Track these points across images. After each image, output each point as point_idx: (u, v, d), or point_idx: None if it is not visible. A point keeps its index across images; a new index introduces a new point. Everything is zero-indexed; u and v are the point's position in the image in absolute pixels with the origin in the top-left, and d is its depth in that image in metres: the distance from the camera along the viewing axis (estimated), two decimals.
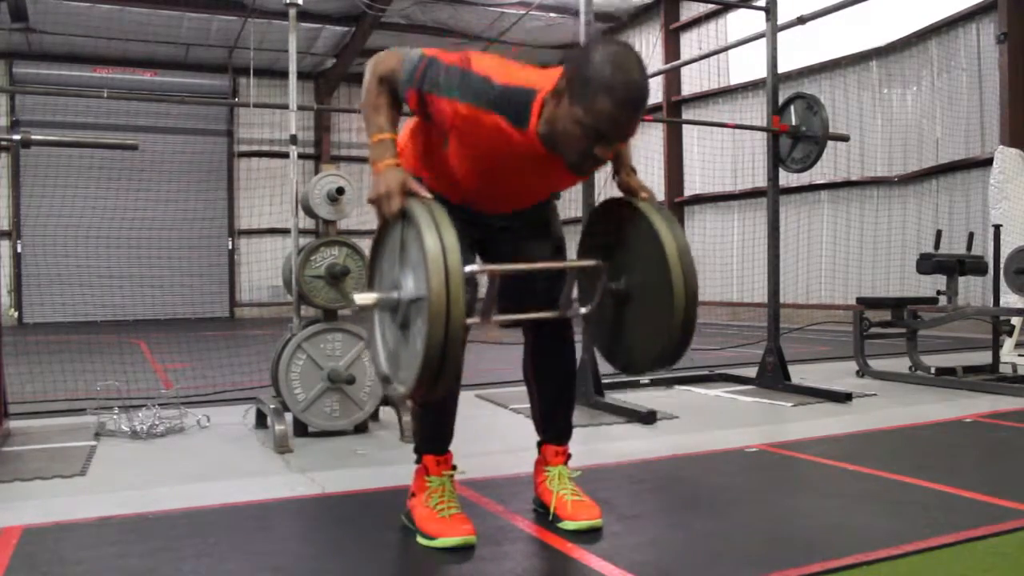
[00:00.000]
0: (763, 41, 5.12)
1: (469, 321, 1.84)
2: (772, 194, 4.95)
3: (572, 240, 2.32)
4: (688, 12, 13.39)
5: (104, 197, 12.38)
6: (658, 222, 2.05)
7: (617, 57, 1.83)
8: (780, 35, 5.07)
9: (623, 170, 2.27)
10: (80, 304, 12.54)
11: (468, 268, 1.90)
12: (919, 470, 2.83)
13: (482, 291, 2.29)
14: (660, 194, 13.83)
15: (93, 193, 12.24)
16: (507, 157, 2.01)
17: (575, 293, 2.28)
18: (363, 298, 2.00)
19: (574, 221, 5.13)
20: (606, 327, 2.25)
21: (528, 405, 2.45)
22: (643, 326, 2.13)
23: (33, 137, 3.24)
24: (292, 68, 3.76)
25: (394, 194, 1.91)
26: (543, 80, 1.98)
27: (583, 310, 2.24)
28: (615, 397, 4.22)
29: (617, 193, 2.27)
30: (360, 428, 3.57)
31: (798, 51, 10.08)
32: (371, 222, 2.05)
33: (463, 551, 2.04)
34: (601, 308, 2.20)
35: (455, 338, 1.76)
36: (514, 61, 2.07)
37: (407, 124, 2.26)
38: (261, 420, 3.72)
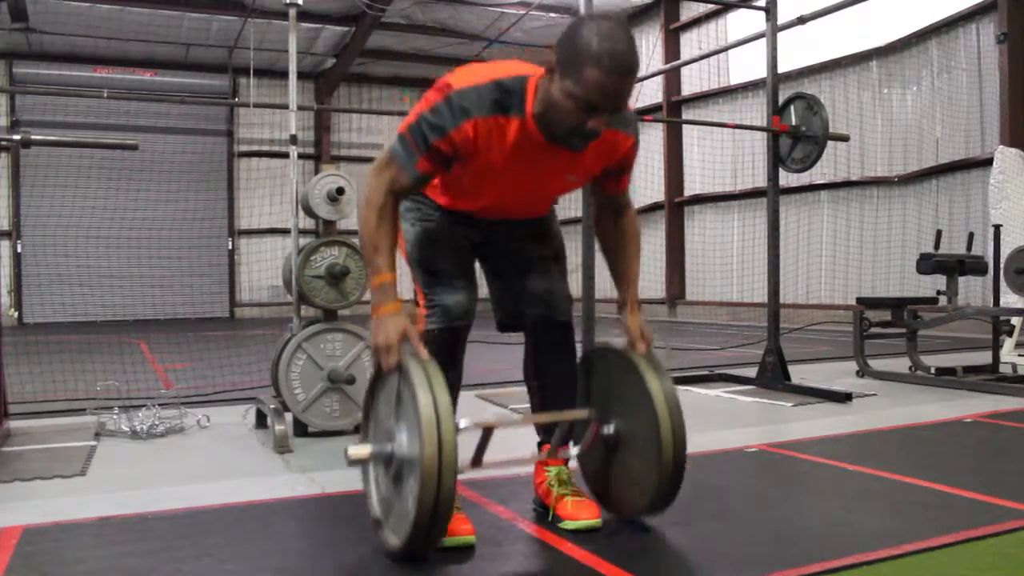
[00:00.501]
0: (763, 41, 5.12)
1: (459, 477, 1.88)
2: (772, 194, 4.95)
3: (571, 241, 2.32)
4: (688, 12, 13.39)
5: (104, 197, 12.38)
6: (649, 376, 2.11)
7: (604, 29, 1.84)
8: (780, 35, 5.07)
9: (629, 307, 2.27)
10: (80, 304, 12.54)
11: (462, 424, 1.98)
12: (919, 470, 2.83)
13: (483, 291, 2.30)
14: (660, 194, 13.85)
15: (93, 193, 12.24)
16: (514, 155, 2.01)
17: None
18: (357, 452, 2.04)
19: (574, 221, 5.13)
20: (598, 469, 2.33)
21: (528, 405, 2.45)
22: (633, 474, 2.19)
23: (33, 137, 3.24)
24: (292, 68, 3.76)
25: (392, 348, 1.95)
26: (532, 68, 1.99)
27: (574, 451, 2.31)
28: None
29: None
30: (360, 427, 3.57)
31: (798, 51, 10.09)
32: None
33: (463, 551, 2.04)
34: (593, 451, 2.28)
35: (446, 501, 1.83)
36: (497, 60, 2.09)
37: None
38: (261, 420, 3.72)
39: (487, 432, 2.11)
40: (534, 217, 2.34)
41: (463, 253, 2.27)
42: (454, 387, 2.27)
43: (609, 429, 2.22)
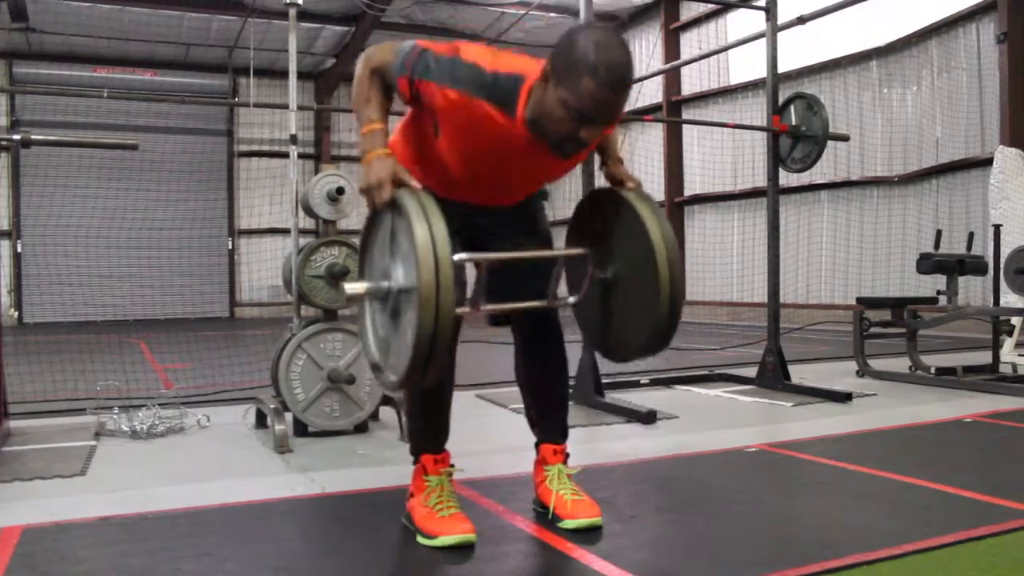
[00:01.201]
0: (763, 41, 5.11)
1: (459, 311, 1.85)
2: (772, 194, 4.95)
3: (563, 239, 2.31)
4: (688, 12, 13.39)
5: (104, 197, 12.39)
6: (643, 210, 2.07)
7: (601, 40, 1.84)
8: (780, 35, 5.07)
9: (610, 161, 2.29)
10: (80, 304, 12.54)
11: (457, 257, 1.92)
12: (919, 470, 2.83)
13: (470, 286, 2.29)
14: (660, 194, 13.84)
15: (93, 193, 12.24)
16: (496, 144, 2.01)
17: (563, 284, 2.29)
18: (353, 288, 2.01)
19: None
20: (594, 316, 2.26)
21: (522, 402, 2.45)
22: (630, 314, 2.14)
23: (33, 137, 3.24)
24: (292, 68, 3.76)
25: (384, 183, 1.93)
26: (533, 67, 1.99)
27: (571, 299, 2.26)
28: (615, 397, 4.22)
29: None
30: (360, 428, 3.57)
31: (798, 51, 10.08)
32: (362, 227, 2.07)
33: (463, 550, 2.04)
34: (589, 297, 2.22)
35: (445, 328, 1.78)
36: (506, 51, 2.08)
37: (399, 122, 2.27)
38: (261, 420, 3.72)
39: (482, 270, 2.06)
40: (521, 205, 2.33)
41: (453, 247, 2.25)
42: (449, 384, 2.26)
43: (606, 272, 2.17)
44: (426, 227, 1.79)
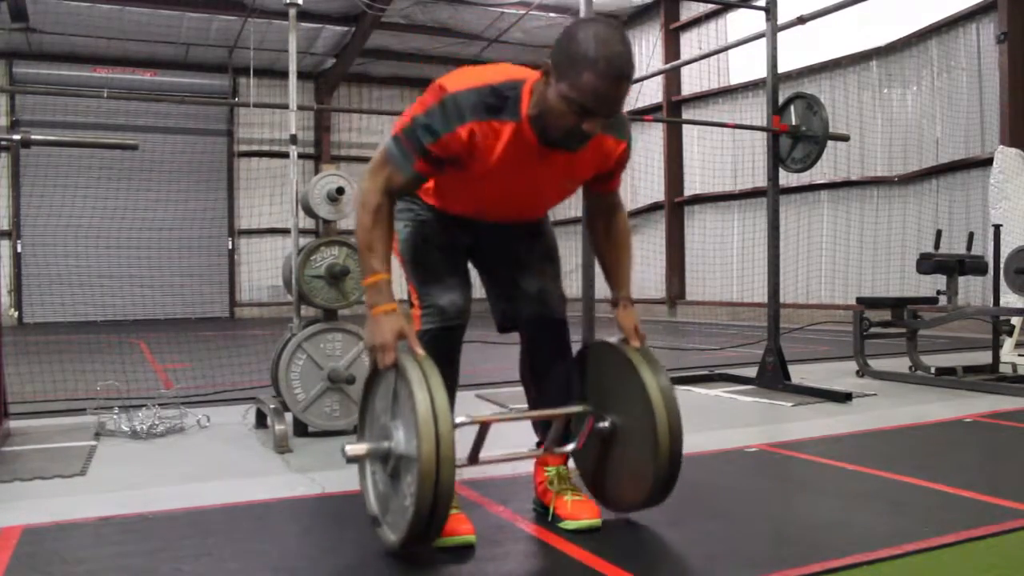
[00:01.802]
0: (763, 41, 5.11)
1: (458, 467, 1.88)
2: (772, 194, 4.95)
3: (567, 241, 2.32)
4: (688, 12, 13.39)
5: (104, 197, 12.39)
6: (644, 370, 2.11)
7: (600, 33, 1.84)
8: (780, 35, 5.07)
9: (621, 303, 2.28)
10: (80, 304, 12.55)
11: (459, 420, 1.97)
12: (919, 470, 2.83)
13: (477, 288, 2.30)
14: (660, 194, 13.85)
15: (93, 193, 12.24)
16: (509, 159, 2.01)
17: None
18: (354, 449, 2.04)
19: (573, 221, 5.12)
20: (593, 465, 2.33)
21: (527, 405, 2.45)
22: (629, 468, 2.19)
23: (33, 137, 3.24)
24: (292, 68, 3.76)
25: (388, 347, 1.95)
26: (528, 73, 2.00)
27: (570, 447, 2.31)
28: None
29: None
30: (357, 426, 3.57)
31: (798, 51, 10.08)
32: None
33: (463, 550, 2.04)
34: (588, 446, 2.28)
35: (444, 499, 1.83)
36: (490, 64, 2.09)
37: None
38: (261, 420, 3.72)
39: (483, 428, 2.11)
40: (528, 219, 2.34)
41: (456, 253, 2.27)
42: (451, 386, 2.26)
43: (605, 424, 2.22)
44: (428, 398, 1.83)
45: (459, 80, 1.97)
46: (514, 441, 2.50)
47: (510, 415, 2.27)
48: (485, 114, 1.94)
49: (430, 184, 2.17)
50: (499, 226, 2.29)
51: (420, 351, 1.96)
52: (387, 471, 2.00)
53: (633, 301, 2.31)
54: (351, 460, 2.04)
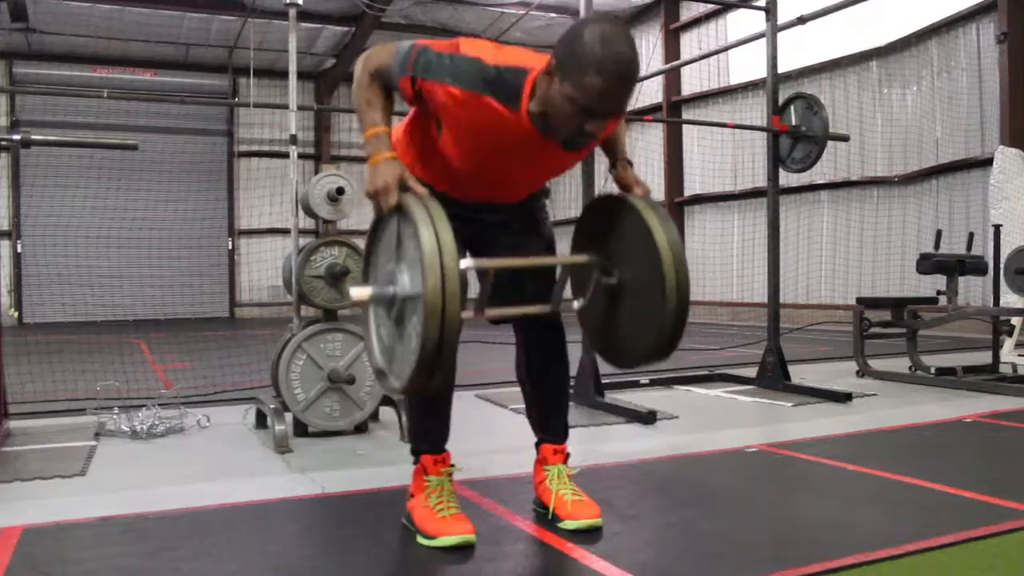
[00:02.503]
0: (763, 41, 5.12)
1: (463, 316, 1.84)
2: (772, 194, 4.95)
3: (567, 240, 2.31)
4: (688, 12, 13.39)
5: (104, 197, 12.37)
6: (650, 217, 2.06)
7: (606, 34, 1.82)
8: (780, 35, 5.07)
9: (619, 164, 2.28)
10: (80, 304, 12.53)
11: (463, 264, 1.90)
12: (919, 470, 2.83)
13: (473, 289, 2.29)
14: (660, 194, 13.84)
15: (93, 193, 12.23)
16: (500, 139, 2.01)
17: (568, 290, 2.29)
18: (358, 292, 2.00)
19: (573, 221, 5.13)
20: (599, 322, 2.25)
21: (525, 405, 2.45)
22: (636, 321, 2.13)
23: (33, 137, 3.24)
24: (292, 68, 3.76)
25: (391, 188, 1.92)
26: (536, 61, 1.98)
27: (576, 304, 2.25)
28: (615, 397, 4.22)
29: (613, 187, 2.28)
30: (360, 428, 3.57)
31: (798, 51, 10.08)
32: (370, 222, 2.05)
33: (463, 550, 2.04)
34: (594, 303, 2.21)
35: (451, 336, 1.77)
36: (508, 45, 2.08)
37: (402, 121, 2.26)
38: (261, 420, 3.72)
39: (487, 277, 2.06)
40: (524, 205, 2.32)
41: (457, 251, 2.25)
42: (448, 385, 2.26)
43: (611, 278, 2.15)
44: (433, 234, 1.79)
45: (473, 47, 1.97)
46: (514, 439, 2.50)
47: (516, 262, 2.19)
48: (479, 87, 1.93)
49: (416, 151, 2.16)
50: (498, 220, 2.28)
51: (422, 190, 1.93)
52: (392, 318, 1.95)
53: (631, 163, 2.28)
54: (355, 303, 2.01)
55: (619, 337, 2.20)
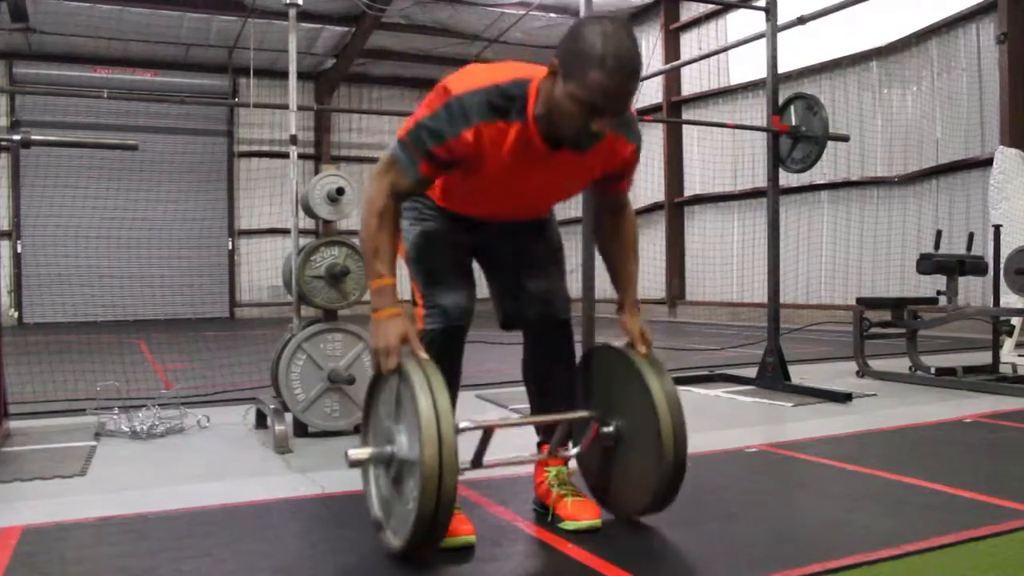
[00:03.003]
0: (763, 41, 5.12)
1: (461, 477, 1.88)
2: (772, 194, 4.95)
3: (566, 241, 2.31)
4: (688, 12, 13.39)
5: (104, 197, 12.36)
6: (649, 375, 2.11)
7: (607, 31, 1.82)
8: (780, 35, 5.07)
9: (627, 309, 2.26)
10: (80, 304, 12.53)
11: (462, 425, 1.97)
12: (919, 470, 2.83)
13: (483, 291, 2.30)
14: (660, 194, 13.85)
15: (93, 193, 12.22)
16: (519, 161, 1.99)
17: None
18: (356, 454, 2.04)
19: (574, 221, 5.12)
20: (597, 469, 2.33)
21: (528, 405, 2.45)
22: (633, 473, 2.19)
23: (33, 137, 3.24)
24: (292, 68, 3.76)
25: (392, 351, 1.95)
26: (533, 70, 1.98)
27: (574, 451, 2.31)
28: None
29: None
30: (360, 428, 3.56)
31: (798, 51, 10.08)
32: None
33: (463, 551, 2.04)
34: (592, 450, 2.28)
35: (447, 504, 1.83)
36: (499, 62, 2.08)
37: None
38: (261, 420, 3.72)
39: (487, 433, 2.11)
40: (534, 218, 2.34)
41: (461, 253, 2.26)
42: (453, 388, 2.26)
43: (609, 429, 2.21)
44: (431, 402, 1.83)
45: (464, 81, 1.95)
46: (516, 442, 2.51)
47: (514, 420, 2.26)
48: (491, 115, 1.93)
49: (437, 184, 2.15)
50: (505, 225, 2.28)
51: (423, 355, 1.96)
52: (390, 476, 2.00)
53: (639, 304, 2.29)
54: (353, 464, 2.04)
55: (616, 488, 2.27)
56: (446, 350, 2.16)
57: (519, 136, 1.96)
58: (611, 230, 2.30)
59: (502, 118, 1.94)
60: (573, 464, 2.39)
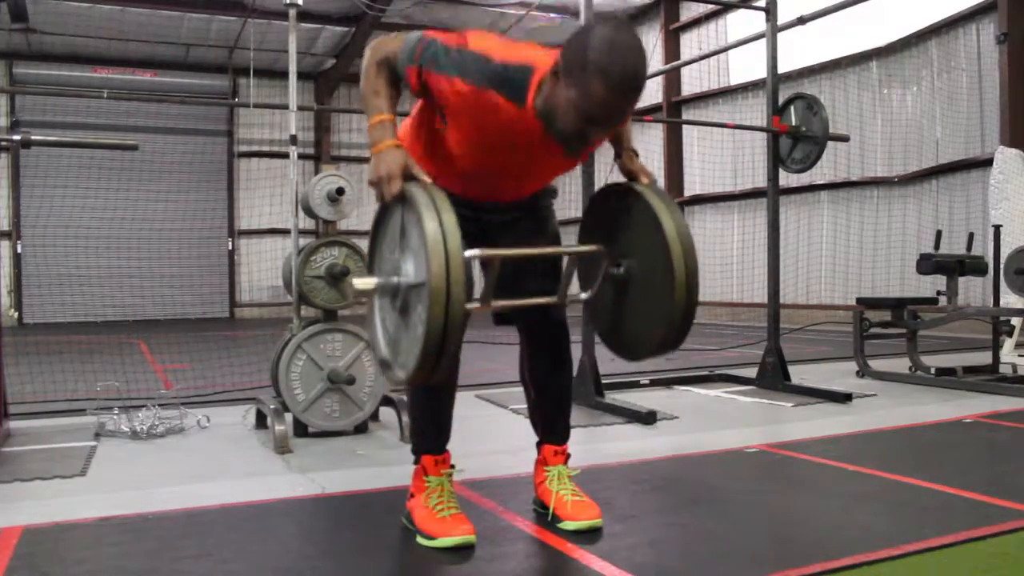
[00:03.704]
0: (763, 41, 5.12)
1: (469, 306, 1.82)
2: (772, 194, 4.95)
3: (566, 240, 2.30)
4: (688, 12, 13.39)
5: (104, 197, 12.37)
6: (658, 206, 2.04)
7: (614, 41, 1.80)
8: (780, 35, 5.07)
9: (624, 153, 2.27)
10: (80, 304, 12.53)
11: (468, 253, 1.88)
12: (919, 470, 2.83)
13: (478, 287, 2.28)
14: None
15: (93, 193, 12.23)
16: (505, 135, 2.00)
17: (575, 282, 2.27)
18: (362, 283, 1.98)
19: (574, 222, 5.13)
20: (607, 314, 2.23)
21: (527, 406, 2.45)
22: (644, 312, 2.11)
23: (33, 137, 3.24)
24: (292, 68, 3.76)
25: (394, 176, 1.91)
26: (543, 58, 1.97)
27: (584, 295, 2.23)
28: (615, 397, 4.22)
29: (619, 177, 2.27)
30: (360, 428, 3.57)
31: (798, 51, 10.08)
32: (371, 222, 2.05)
33: (463, 551, 2.04)
34: (601, 294, 2.19)
35: (455, 322, 1.75)
36: (516, 40, 2.07)
37: (408, 117, 2.26)
38: (261, 420, 3.72)
39: (493, 267, 2.02)
40: (530, 204, 2.31)
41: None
42: (451, 385, 2.26)
43: (619, 268, 2.13)
44: (436, 220, 1.77)
45: (481, 44, 1.96)
46: (516, 441, 2.50)
47: (521, 251, 2.17)
48: (484, 83, 1.92)
49: (421, 146, 2.14)
50: (504, 215, 2.26)
51: (426, 179, 1.92)
52: (396, 308, 1.93)
53: (637, 153, 2.27)
54: (359, 294, 1.99)
55: (628, 329, 2.18)
56: None
57: (513, 117, 1.95)
58: None
59: (496, 90, 1.93)
60: (575, 464, 2.39)
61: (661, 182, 13.97)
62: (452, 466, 2.26)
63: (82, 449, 3.25)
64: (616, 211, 2.18)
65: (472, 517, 2.16)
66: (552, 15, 12.85)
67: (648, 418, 3.79)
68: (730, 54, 12.20)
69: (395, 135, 1.99)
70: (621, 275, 2.13)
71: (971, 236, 5.81)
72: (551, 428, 2.38)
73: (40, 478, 2.81)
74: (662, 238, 2.00)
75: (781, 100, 5.02)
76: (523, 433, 2.49)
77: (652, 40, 13.54)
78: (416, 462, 2.26)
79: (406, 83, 2.04)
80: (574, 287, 2.27)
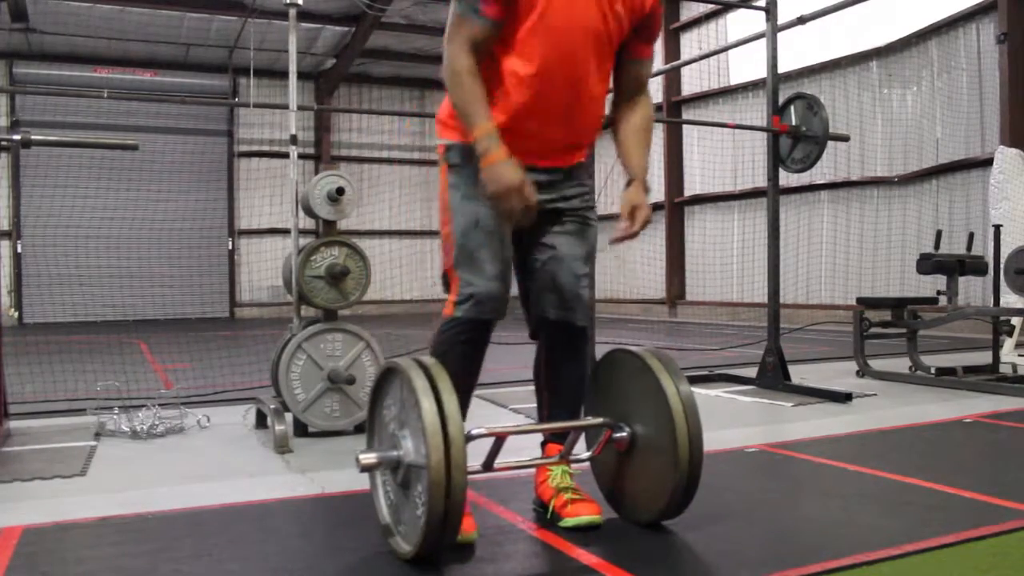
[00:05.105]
0: (763, 41, 5.12)
1: (470, 476, 1.87)
2: (772, 194, 4.95)
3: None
4: (688, 12, 13.39)
5: (104, 197, 12.37)
6: (664, 378, 2.10)
7: None
8: (780, 35, 5.07)
9: (635, 184, 2.24)
10: (80, 304, 12.53)
11: (473, 433, 1.96)
12: (919, 470, 2.83)
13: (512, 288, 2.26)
14: (660, 194, 13.84)
15: (93, 193, 12.23)
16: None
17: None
18: (366, 459, 2.02)
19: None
20: (610, 474, 2.31)
21: (530, 405, 2.46)
22: (647, 477, 2.18)
23: (33, 137, 3.24)
24: (292, 68, 3.76)
25: (514, 190, 1.97)
26: None
27: (586, 455, 2.31)
28: None
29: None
30: (360, 428, 3.57)
31: (798, 51, 10.08)
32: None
33: (463, 550, 2.04)
34: (606, 455, 2.27)
35: (457, 506, 1.81)
36: None
37: None
38: (261, 420, 3.72)
39: (499, 440, 2.10)
40: (568, 178, 2.28)
41: (504, 241, 2.20)
42: (469, 387, 2.25)
43: (623, 433, 2.20)
44: (434, 405, 1.81)
45: None
46: (521, 443, 2.50)
47: (527, 427, 2.23)
48: None
49: (494, 81, 2.12)
50: (550, 210, 2.23)
51: (533, 200, 2.01)
52: (397, 481, 1.99)
53: (648, 187, 2.27)
54: (364, 469, 2.03)
55: (630, 493, 2.26)
56: (471, 344, 2.16)
57: None
58: (628, 109, 2.32)
59: None
60: (576, 464, 2.39)
61: (661, 182, 14.06)
62: None
63: (82, 449, 3.25)
64: (623, 375, 2.25)
65: (472, 516, 2.15)
66: None
67: None
68: (730, 54, 12.20)
69: (501, 144, 2.01)
70: (625, 439, 2.20)
71: (971, 236, 5.81)
72: (560, 429, 2.38)
73: (40, 478, 2.81)
74: (666, 410, 2.06)
75: (781, 100, 5.02)
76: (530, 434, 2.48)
77: None
78: None
79: (496, 21, 2.04)
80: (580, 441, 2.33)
